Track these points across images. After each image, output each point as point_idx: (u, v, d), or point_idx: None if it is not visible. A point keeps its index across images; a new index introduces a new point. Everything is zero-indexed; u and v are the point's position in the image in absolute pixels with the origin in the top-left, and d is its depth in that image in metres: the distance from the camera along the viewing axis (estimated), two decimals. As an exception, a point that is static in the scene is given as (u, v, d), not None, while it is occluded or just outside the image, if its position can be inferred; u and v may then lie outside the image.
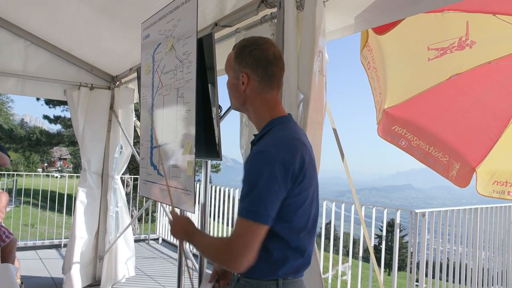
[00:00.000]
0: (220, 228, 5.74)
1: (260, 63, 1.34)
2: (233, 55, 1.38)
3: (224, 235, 5.62)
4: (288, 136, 1.30)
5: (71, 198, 5.99)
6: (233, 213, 5.42)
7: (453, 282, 4.18)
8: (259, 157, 1.22)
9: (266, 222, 1.19)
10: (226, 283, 1.60)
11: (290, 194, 1.23)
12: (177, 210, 2.24)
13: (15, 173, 9.05)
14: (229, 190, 5.63)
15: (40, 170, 38.30)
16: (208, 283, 1.60)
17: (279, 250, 1.28)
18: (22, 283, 3.69)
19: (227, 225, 5.66)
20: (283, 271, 1.31)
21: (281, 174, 1.19)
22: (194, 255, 4.29)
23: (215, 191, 5.85)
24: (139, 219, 9.13)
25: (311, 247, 1.36)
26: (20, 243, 5.87)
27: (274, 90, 1.38)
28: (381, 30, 2.34)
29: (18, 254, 3.82)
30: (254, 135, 1.50)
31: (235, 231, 1.21)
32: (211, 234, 5.83)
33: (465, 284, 4.27)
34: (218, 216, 5.70)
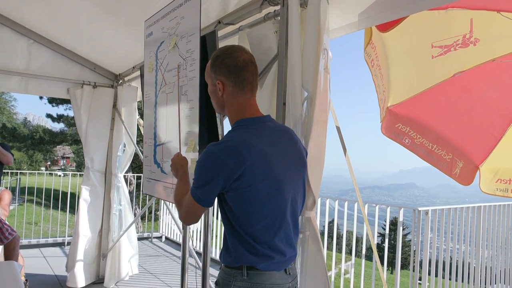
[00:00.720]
0: (221, 225, 5.74)
1: (232, 70, 1.48)
2: (209, 65, 1.53)
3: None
4: (235, 138, 1.45)
5: (74, 197, 6.00)
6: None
7: (456, 280, 4.17)
8: (205, 153, 1.41)
9: (202, 205, 1.44)
10: None
11: (230, 189, 1.39)
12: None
13: (19, 171, 9.08)
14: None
15: (43, 168, 38.42)
16: None
17: (231, 238, 1.47)
18: (26, 280, 3.70)
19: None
20: (239, 260, 1.45)
21: (216, 170, 1.37)
22: (197, 253, 4.30)
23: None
24: (142, 218, 9.16)
25: (274, 244, 1.45)
26: (24, 241, 5.90)
27: (248, 93, 1.52)
28: (385, 27, 2.34)
29: (22, 252, 3.83)
30: None
31: (185, 200, 1.50)
32: (214, 232, 5.84)
33: (468, 282, 4.27)
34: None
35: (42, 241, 6.07)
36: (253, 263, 1.44)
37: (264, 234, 1.44)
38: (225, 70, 1.48)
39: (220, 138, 2.36)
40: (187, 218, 1.51)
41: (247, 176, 1.37)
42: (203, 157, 1.41)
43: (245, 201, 1.41)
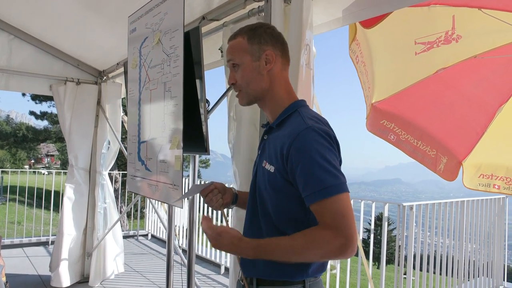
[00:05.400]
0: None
1: (278, 40, 1.33)
2: (244, 39, 1.31)
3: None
4: (318, 114, 1.30)
5: (58, 195, 5.92)
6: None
7: (440, 274, 4.24)
8: (317, 133, 1.15)
9: (348, 190, 1.11)
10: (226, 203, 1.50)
11: None
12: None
13: (1, 170, 8.91)
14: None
15: (27, 167, 37.83)
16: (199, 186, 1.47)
17: None
18: (7, 282, 3.63)
19: (216, 220, 5.64)
20: (315, 266, 1.24)
21: (333, 146, 1.17)
22: (183, 250, 4.27)
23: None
24: (128, 215, 9.09)
25: None
26: (7, 241, 5.80)
27: (288, 70, 1.37)
28: (369, 23, 2.35)
29: (5, 252, 3.77)
30: (263, 125, 1.44)
31: (335, 214, 1.06)
32: (200, 229, 5.81)
33: (452, 276, 4.34)
34: (207, 212, 5.68)
35: (25, 240, 5.97)
36: (318, 271, 1.26)
37: None
38: (271, 38, 1.30)
39: (204, 134, 2.34)
40: (356, 233, 1.07)
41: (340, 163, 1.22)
42: (318, 137, 1.14)
43: None
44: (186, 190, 1.63)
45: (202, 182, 5.82)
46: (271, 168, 1.23)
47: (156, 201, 4.80)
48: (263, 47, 1.29)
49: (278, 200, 1.22)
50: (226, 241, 1.16)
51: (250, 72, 1.30)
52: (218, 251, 5.50)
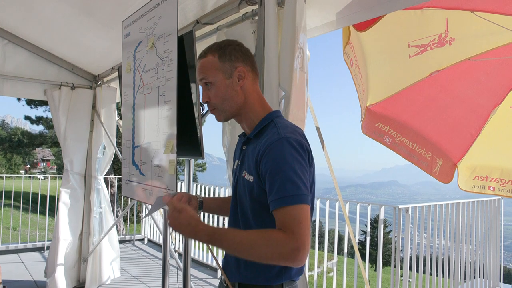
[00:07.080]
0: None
1: (247, 55, 1.37)
2: (215, 57, 1.34)
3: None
4: (293, 124, 1.33)
5: (54, 200, 5.88)
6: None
7: (437, 275, 4.24)
8: (289, 143, 1.18)
9: (309, 203, 1.15)
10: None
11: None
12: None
13: (-4, 175, 8.86)
14: (214, 189, 5.60)
15: (22, 172, 37.65)
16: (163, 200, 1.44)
17: None
18: (4, 287, 3.61)
19: (212, 223, 5.63)
20: (294, 270, 1.28)
21: (304, 158, 1.20)
22: (179, 254, 4.26)
23: (200, 190, 5.82)
24: (125, 220, 9.06)
25: None
26: (2, 247, 5.76)
27: (258, 83, 1.40)
28: (362, 27, 2.36)
29: (0, 257, 3.74)
30: (240, 136, 1.49)
31: (292, 220, 1.10)
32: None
33: (448, 277, 4.34)
34: (204, 216, 5.67)
35: (20, 246, 5.93)
36: (296, 275, 1.30)
37: None
38: (241, 54, 1.35)
39: (199, 138, 2.34)
40: (308, 243, 1.10)
41: (312, 173, 1.26)
42: (289, 147, 1.18)
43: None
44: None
45: (195, 186, 5.82)
46: (250, 178, 1.27)
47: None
48: (235, 64, 1.33)
49: (258, 209, 1.26)
50: (185, 221, 1.17)
51: (224, 89, 1.33)
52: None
